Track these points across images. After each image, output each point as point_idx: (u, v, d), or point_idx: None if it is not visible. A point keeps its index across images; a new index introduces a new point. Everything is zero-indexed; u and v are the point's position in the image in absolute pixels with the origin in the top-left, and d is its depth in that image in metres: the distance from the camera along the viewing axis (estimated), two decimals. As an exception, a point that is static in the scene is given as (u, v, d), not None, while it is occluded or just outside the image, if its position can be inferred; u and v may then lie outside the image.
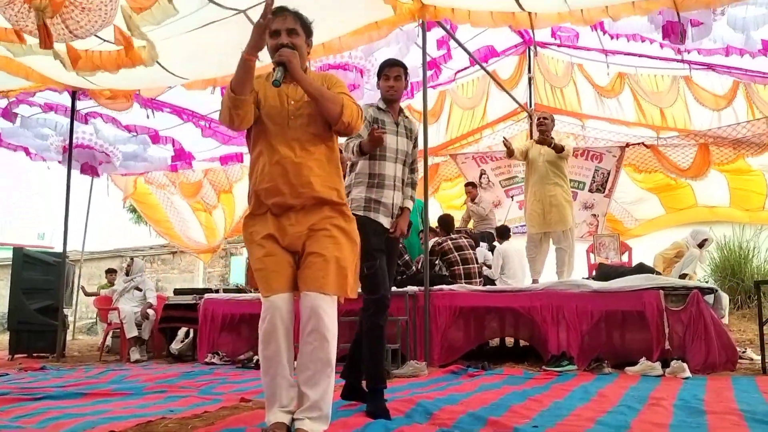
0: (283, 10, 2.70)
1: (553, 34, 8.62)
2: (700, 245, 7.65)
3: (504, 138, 7.05)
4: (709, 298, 5.06)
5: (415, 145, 3.69)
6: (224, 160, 10.29)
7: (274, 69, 2.59)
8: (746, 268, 9.91)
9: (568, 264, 6.58)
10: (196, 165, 10.42)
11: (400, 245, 7.10)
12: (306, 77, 2.59)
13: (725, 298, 5.93)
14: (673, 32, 5.77)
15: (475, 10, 6.20)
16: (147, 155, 9.78)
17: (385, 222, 3.44)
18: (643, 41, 7.46)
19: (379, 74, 3.47)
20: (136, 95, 7.64)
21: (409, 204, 3.66)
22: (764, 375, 4.69)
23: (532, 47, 9.32)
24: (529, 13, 6.13)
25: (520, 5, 5.95)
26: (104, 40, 5.60)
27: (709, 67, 8.02)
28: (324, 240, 2.57)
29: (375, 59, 7.19)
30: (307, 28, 2.76)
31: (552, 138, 6.41)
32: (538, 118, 6.90)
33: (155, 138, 9.20)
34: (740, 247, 10.16)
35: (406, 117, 3.65)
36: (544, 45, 9.10)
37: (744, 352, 5.68)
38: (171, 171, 10.46)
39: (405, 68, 3.52)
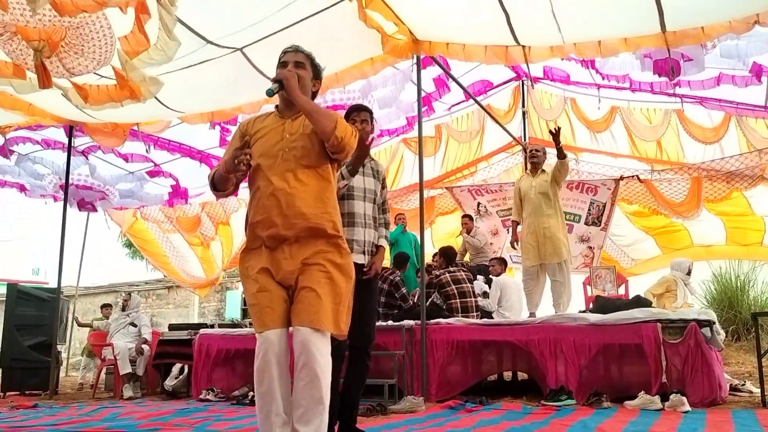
0: (296, 48, 2.86)
1: (545, 74, 8.78)
2: (689, 273, 7.75)
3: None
4: (706, 331, 5.02)
5: (383, 186, 3.85)
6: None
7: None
8: (743, 299, 9.90)
9: (566, 296, 6.56)
10: (192, 200, 10.45)
11: (398, 279, 7.11)
12: (301, 95, 2.66)
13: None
14: (665, 70, 5.87)
15: (469, 44, 6.29)
16: (143, 193, 9.82)
17: (360, 259, 3.51)
18: (632, 85, 7.62)
19: (347, 117, 3.59)
20: (132, 132, 7.69)
21: (384, 243, 3.78)
22: (764, 408, 4.65)
23: (525, 81, 9.45)
24: (523, 47, 6.22)
25: (515, 38, 6.04)
26: (102, 77, 5.66)
27: (701, 101, 8.13)
28: (317, 275, 2.56)
29: (373, 98, 7.29)
30: (315, 68, 2.88)
31: (560, 143, 6.29)
32: (530, 151, 6.95)
33: (154, 172, 9.23)
34: (737, 278, 10.17)
35: (372, 159, 3.86)
36: (537, 80, 9.22)
37: (743, 384, 5.64)
38: (168, 206, 10.49)
39: (371, 112, 3.73)
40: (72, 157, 8.14)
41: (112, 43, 4.55)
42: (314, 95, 2.88)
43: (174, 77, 5.96)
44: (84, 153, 8.63)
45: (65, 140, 8.01)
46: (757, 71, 6.74)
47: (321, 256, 2.60)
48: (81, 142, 8.47)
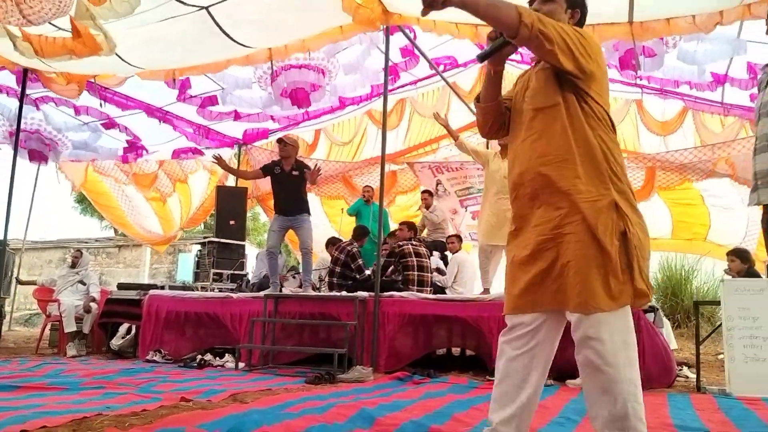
0: None
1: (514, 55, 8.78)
2: None
3: (436, 114, 6.85)
4: (650, 316, 5.21)
5: None
6: (176, 153, 10.12)
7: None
8: (686, 289, 10.25)
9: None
10: (149, 156, 10.21)
11: (355, 250, 7.13)
12: None
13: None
14: (630, 64, 5.97)
15: (440, 20, 6.26)
16: (97, 145, 9.53)
17: None
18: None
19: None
20: (89, 84, 7.44)
21: None
22: (699, 392, 4.85)
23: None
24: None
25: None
26: (59, 28, 5.45)
27: (661, 91, 8.28)
28: None
29: (337, 60, 7.21)
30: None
31: None
32: None
33: (109, 124, 8.94)
34: (683, 268, 10.51)
35: None
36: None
37: (681, 370, 5.86)
38: (122, 162, 10.22)
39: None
40: (24, 105, 7.83)
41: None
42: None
43: (136, 32, 5.79)
44: (36, 102, 8.30)
45: (17, 87, 7.70)
46: (715, 79, 6.93)
47: None
48: (34, 91, 8.14)
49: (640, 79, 7.80)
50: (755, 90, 6.95)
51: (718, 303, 5.21)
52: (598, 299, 2.03)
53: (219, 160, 6.95)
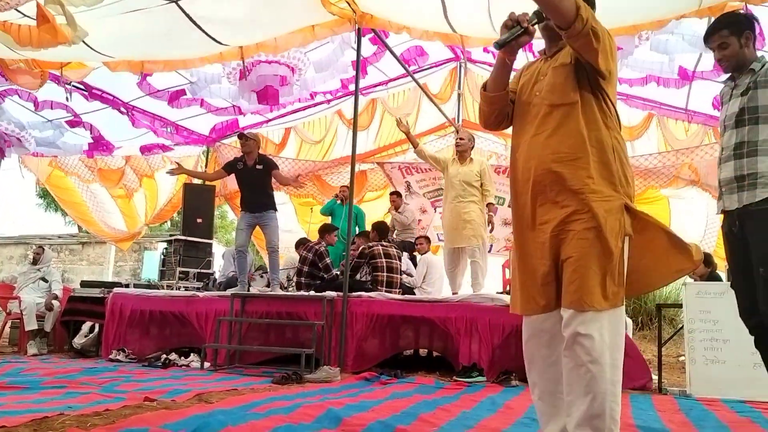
0: None
1: (485, 50, 8.80)
2: None
3: (399, 120, 6.93)
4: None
5: None
6: (144, 150, 9.96)
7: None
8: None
9: (481, 276, 6.71)
10: (115, 152, 10.02)
11: (323, 249, 7.10)
12: None
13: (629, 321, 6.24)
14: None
15: (410, 26, 6.31)
16: (61, 142, 9.31)
17: None
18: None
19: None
20: (53, 76, 7.26)
21: None
22: (660, 394, 4.94)
23: (462, 63, 9.51)
24: (461, 36, 6.30)
25: (451, 27, 6.10)
26: (25, 15, 5.32)
27: (627, 98, 8.41)
28: None
29: (307, 58, 7.18)
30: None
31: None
32: (457, 138, 6.99)
33: (74, 122, 8.75)
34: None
35: None
36: (474, 62, 9.30)
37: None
38: (87, 156, 10.02)
39: None
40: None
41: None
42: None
43: (103, 23, 5.68)
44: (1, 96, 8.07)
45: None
46: (683, 74, 7.04)
47: None
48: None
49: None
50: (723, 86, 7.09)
51: (680, 306, 5.32)
52: (593, 297, 2.06)
53: (179, 167, 6.94)
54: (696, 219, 9.55)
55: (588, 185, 2.14)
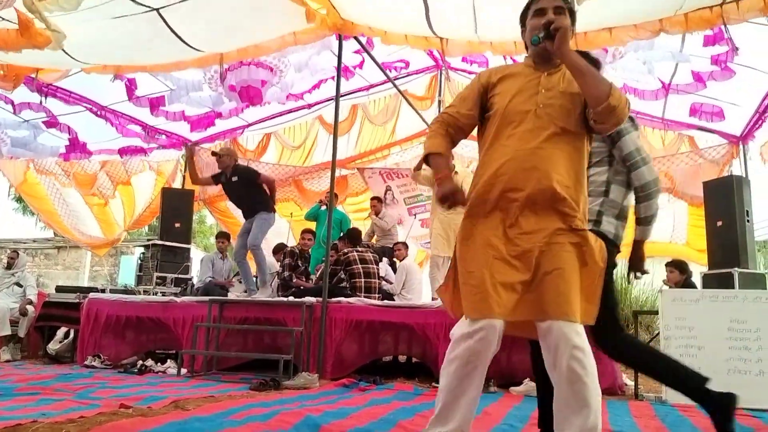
0: None
1: (464, 59, 8.87)
2: None
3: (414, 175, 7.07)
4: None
5: None
6: (123, 152, 9.85)
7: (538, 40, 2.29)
8: (626, 298, 10.53)
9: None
10: (92, 157, 9.91)
11: (308, 254, 7.10)
12: (571, 50, 2.24)
13: None
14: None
15: (390, 31, 6.32)
16: (37, 143, 9.18)
17: None
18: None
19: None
20: (28, 79, 7.16)
21: None
22: (637, 400, 4.99)
23: (443, 71, 9.56)
24: (441, 39, 6.32)
25: (432, 30, 6.12)
26: (3, 19, 5.25)
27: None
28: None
29: (288, 60, 7.18)
30: (573, 16, 2.41)
31: None
32: None
33: (50, 123, 8.63)
34: (622, 277, 10.79)
35: None
36: (455, 69, 9.35)
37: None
38: (63, 160, 9.89)
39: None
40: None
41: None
42: None
43: (83, 30, 5.62)
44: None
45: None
46: (663, 86, 7.15)
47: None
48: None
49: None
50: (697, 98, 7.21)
51: (657, 312, 5.37)
52: (578, 310, 2.12)
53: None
54: (663, 223, 9.75)
55: (579, 211, 2.24)
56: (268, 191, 6.78)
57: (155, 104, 7.91)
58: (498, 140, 2.31)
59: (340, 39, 6.43)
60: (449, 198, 2.34)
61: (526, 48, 2.46)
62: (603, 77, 2.20)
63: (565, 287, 2.12)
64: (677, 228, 9.68)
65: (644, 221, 3.02)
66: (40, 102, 7.67)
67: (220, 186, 7.29)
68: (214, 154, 6.89)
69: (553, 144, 2.24)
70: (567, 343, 2.08)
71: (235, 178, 6.69)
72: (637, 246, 3.02)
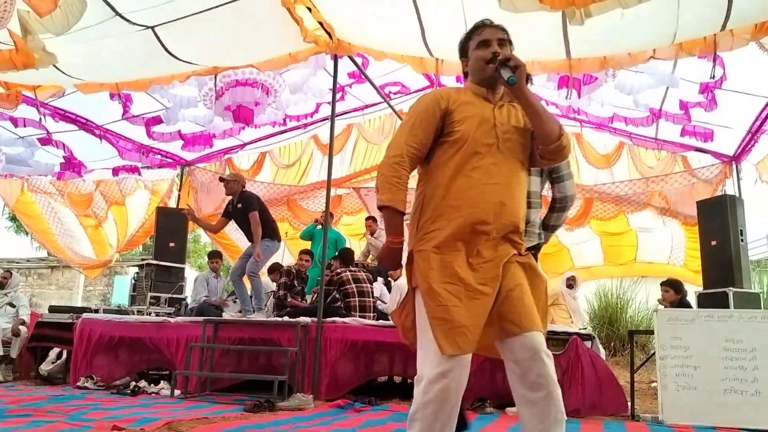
0: (493, 23, 2.42)
1: (458, 79, 8.93)
2: (569, 287, 8.40)
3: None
4: (588, 343, 5.33)
5: None
6: (117, 171, 9.84)
7: (495, 72, 2.28)
8: (622, 317, 10.54)
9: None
10: (86, 176, 9.90)
11: (305, 273, 7.08)
12: (528, 89, 2.28)
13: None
14: (567, 85, 6.22)
15: (387, 51, 6.37)
16: (32, 160, 9.18)
17: None
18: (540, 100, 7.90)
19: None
20: (25, 98, 7.18)
21: None
22: (633, 420, 4.96)
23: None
24: (437, 59, 6.37)
25: (429, 51, 6.17)
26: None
27: (599, 125, 8.58)
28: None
29: (283, 79, 7.21)
30: (511, 44, 2.42)
31: None
32: None
33: (45, 140, 8.63)
34: (618, 297, 10.82)
35: None
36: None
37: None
38: (57, 178, 9.88)
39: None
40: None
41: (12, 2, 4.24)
42: None
43: (78, 49, 5.64)
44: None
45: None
46: (651, 112, 7.23)
47: None
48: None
49: (579, 114, 8.06)
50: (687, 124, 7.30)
51: (652, 332, 5.37)
52: (540, 321, 2.21)
53: (190, 212, 7.10)
54: (662, 245, 9.82)
55: (523, 237, 2.37)
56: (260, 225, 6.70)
57: (150, 124, 7.92)
58: (462, 171, 2.25)
59: (335, 61, 6.46)
60: (387, 266, 2.39)
61: (465, 77, 2.51)
62: (553, 115, 2.32)
63: (529, 301, 2.22)
64: (675, 249, 9.73)
65: (552, 229, 3.11)
66: (40, 120, 7.68)
67: (216, 206, 7.27)
68: (221, 179, 6.86)
69: (515, 178, 2.30)
70: (542, 350, 2.14)
71: (240, 205, 6.66)
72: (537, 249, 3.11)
